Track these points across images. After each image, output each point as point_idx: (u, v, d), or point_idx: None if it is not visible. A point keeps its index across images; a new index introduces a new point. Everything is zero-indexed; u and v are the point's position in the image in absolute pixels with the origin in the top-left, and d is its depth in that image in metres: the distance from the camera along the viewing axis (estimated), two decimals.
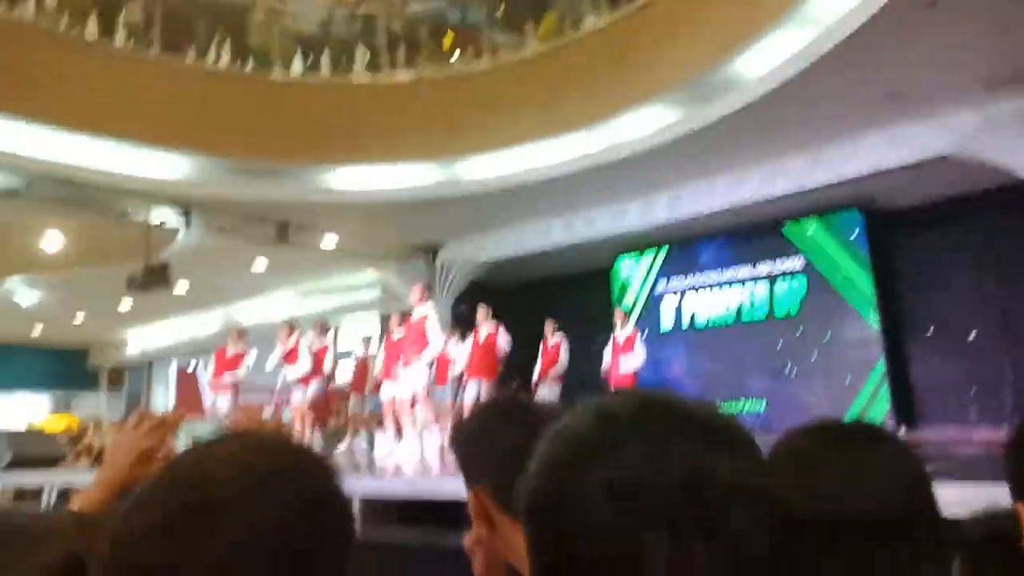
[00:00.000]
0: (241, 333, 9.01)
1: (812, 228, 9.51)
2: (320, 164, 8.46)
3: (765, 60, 6.47)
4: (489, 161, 8.29)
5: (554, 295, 11.29)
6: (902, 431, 8.39)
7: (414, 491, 4.64)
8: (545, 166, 8.08)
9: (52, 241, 10.10)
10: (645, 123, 7.41)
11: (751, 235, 9.78)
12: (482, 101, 7.92)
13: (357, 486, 4.78)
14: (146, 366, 17.73)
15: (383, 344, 8.33)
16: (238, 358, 8.78)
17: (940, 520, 0.75)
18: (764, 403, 9.63)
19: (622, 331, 8.58)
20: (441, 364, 8.19)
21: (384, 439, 8.04)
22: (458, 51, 8.70)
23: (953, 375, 8.48)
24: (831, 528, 0.69)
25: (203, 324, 15.18)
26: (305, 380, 8.42)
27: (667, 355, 10.29)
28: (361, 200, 8.82)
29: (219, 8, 8.60)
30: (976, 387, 8.20)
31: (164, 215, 8.76)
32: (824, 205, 8.89)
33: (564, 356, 8.44)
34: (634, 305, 10.90)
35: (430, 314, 7.23)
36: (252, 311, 14.29)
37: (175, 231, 9.15)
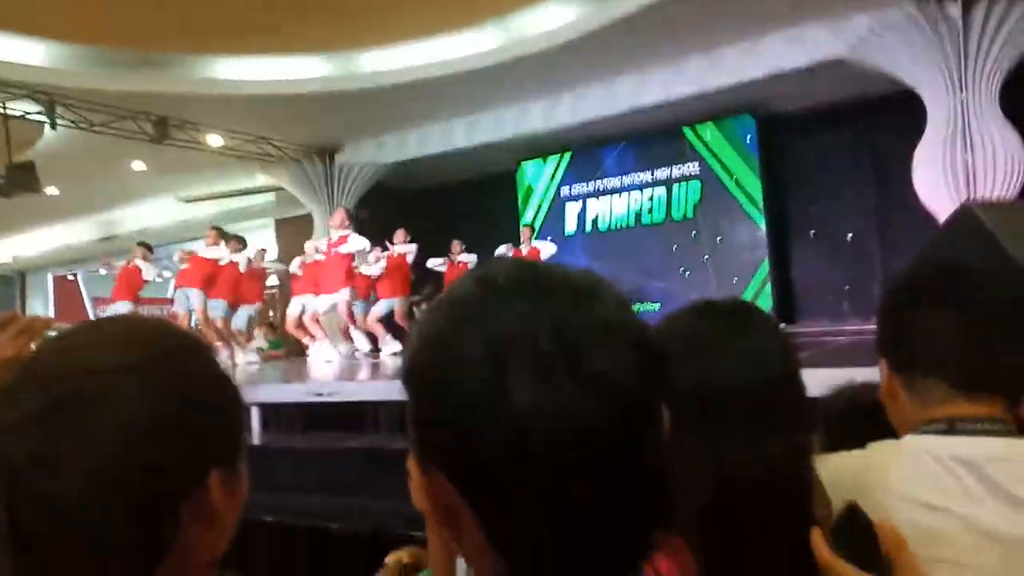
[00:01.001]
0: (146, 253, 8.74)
1: (709, 132, 9.74)
2: (202, 53, 7.80)
3: None
4: (388, 55, 7.91)
5: (458, 199, 11.16)
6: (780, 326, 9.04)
7: (315, 396, 4.58)
8: (446, 61, 7.80)
9: None
10: (548, 20, 7.24)
11: (652, 140, 9.91)
12: None
13: (256, 394, 4.73)
14: (17, 276, 16.44)
15: (300, 265, 8.67)
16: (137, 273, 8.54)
17: (802, 396, 0.82)
18: (659, 305, 10.06)
19: (525, 245, 8.80)
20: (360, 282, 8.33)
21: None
22: None
23: (829, 274, 9.11)
24: (701, 400, 0.73)
25: (78, 232, 14.10)
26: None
27: (570, 259, 10.48)
28: (249, 94, 8.25)
29: None
30: (849, 285, 8.84)
31: (25, 107, 7.89)
32: (721, 110, 9.08)
33: None
34: (538, 210, 10.96)
35: (352, 239, 7.66)
36: (131, 218, 13.39)
37: (40, 127, 8.29)
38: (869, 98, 8.14)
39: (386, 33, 7.77)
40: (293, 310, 8.42)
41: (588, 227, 10.71)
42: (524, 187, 11.08)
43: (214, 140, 9.53)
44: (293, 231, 11.49)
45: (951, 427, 0.87)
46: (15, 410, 0.53)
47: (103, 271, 9.96)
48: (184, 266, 8.43)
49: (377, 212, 10.28)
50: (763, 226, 9.46)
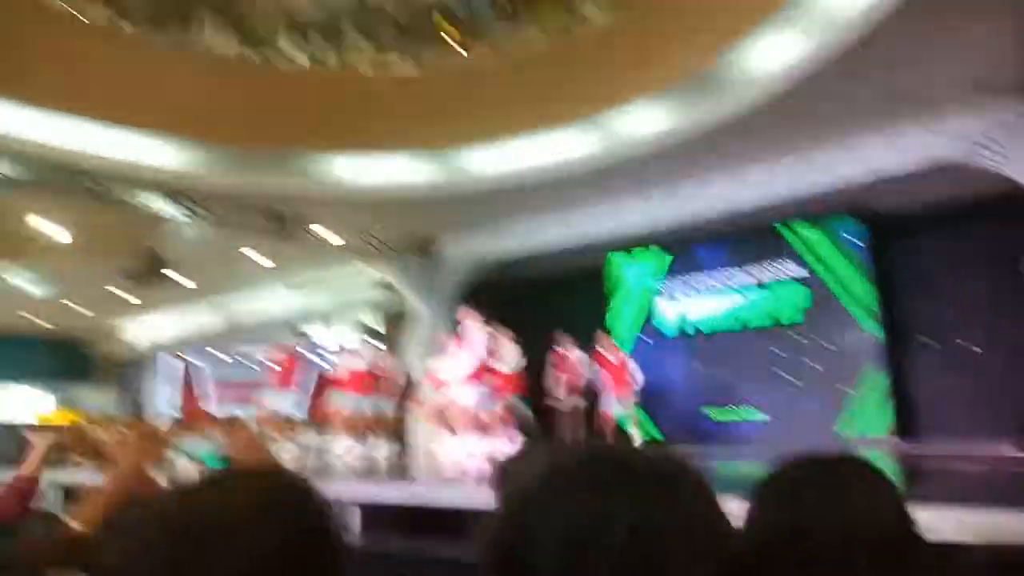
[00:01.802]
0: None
1: (810, 233, 9.41)
2: (320, 153, 8.43)
3: (766, 59, 6.41)
4: (488, 155, 8.26)
5: (551, 295, 11.19)
6: (898, 443, 8.28)
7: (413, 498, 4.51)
8: (544, 165, 8.05)
9: (57, 230, 10.09)
10: (644, 121, 7.36)
11: (749, 239, 9.68)
12: (483, 94, 7.89)
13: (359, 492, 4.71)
14: (149, 360, 17.73)
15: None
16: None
17: (922, 544, 0.79)
18: (763, 411, 9.53)
19: (609, 352, 8.81)
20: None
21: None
22: (461, 43, 8.65)
23: (954, 387, 8.35)
24: (814, 555, 0.72)
25: (203, 318, 15.19)
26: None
27: (665, 360, 10.18)
28: (359, 192, 8.78)
29: None
30: (977, 400, 8.06)
31: (162, 204, 8.74)
32: (822, 210, 8.80)
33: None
34: (632, 308, 10.81)
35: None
36: (248, 306, 14.29)
37: (174, 221, 9.13)
38: (985, 197, 7.61)
39: (492, 134, 8.13)
40: None
41: (685, 328, 10.43)
42: (615, 282, 10.95)
43: (327, 234, 10.12)
44: (398, 324, 11.90)
45: None
46: (145, 549, 0.58)
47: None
48: None
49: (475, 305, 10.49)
50: (874, 332, 8.90)
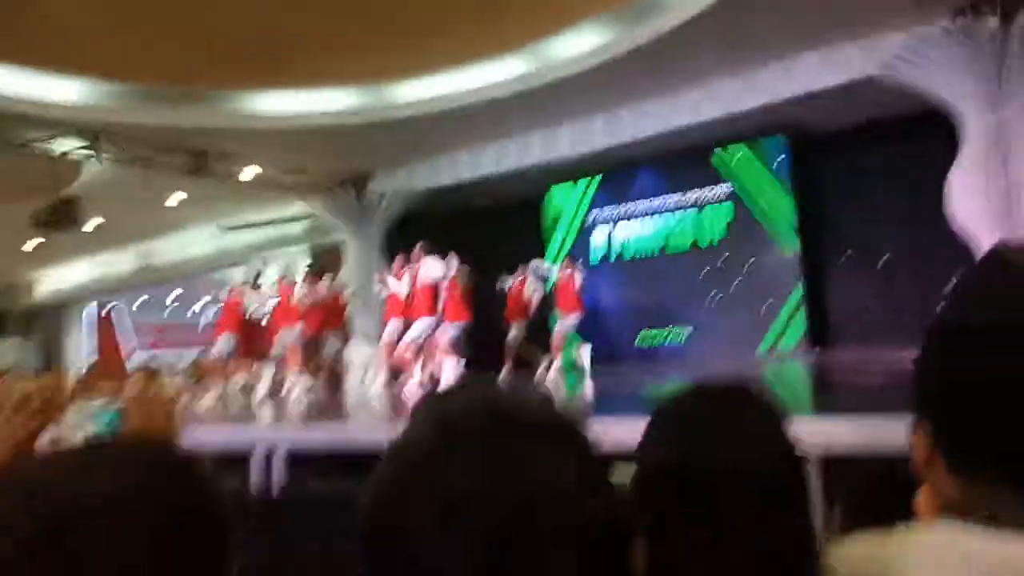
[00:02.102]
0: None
1: (739, 155, 9.70)
2: (239, 88, 8.02)
3: None
4: (418, 85, 8.05)
5: (487, 227, 11.23)
6: (815, 353, 8.88)
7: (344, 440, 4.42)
8: (475, 89, 7.90)
9: None
10: (577, 45, 7.30)
11: (681, 163, 9.90)
12: (410, 21, 7.60)
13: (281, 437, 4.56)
14: (60, 309, 16.89)
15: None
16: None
17: (801, 477, 0.80)
18: (687, 332, 9.96)
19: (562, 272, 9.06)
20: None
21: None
22: None
23: (868, 299, 8.92)
24: (704, 485, 0.74)
25: (118, 263, 14.48)
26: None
27: (597, 286, 10.45)
28: (284, 127, 8.45)
29: None
30: (886, 310, 8.64)
31: (70, 145, 8.18)
32: (752, 131, 9.04)
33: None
34: (566, 236, 10.98)
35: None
36: (170, 248, 13.71)
37: (83, 162, 8.58)
38: (905, 115, 7.96)
39: (416, 64, 7.90)
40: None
41: (614, 254, 10.71)
42: (552, 213, 11.12)
43: (250, 171, 9.76)
44: (328, 257, 11.69)
45: (995, 523, 0.64)
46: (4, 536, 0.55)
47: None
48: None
49: (407, 240, 10.40)
50: (794, 249, 9.36)
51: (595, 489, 0.47)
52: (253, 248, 13.05)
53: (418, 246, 8.55)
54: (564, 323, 8.84)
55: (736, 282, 9.67)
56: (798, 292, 9.28)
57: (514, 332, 9.21)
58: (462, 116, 8.36)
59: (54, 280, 15.89)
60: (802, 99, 7.52)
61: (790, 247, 9.37)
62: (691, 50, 7.17)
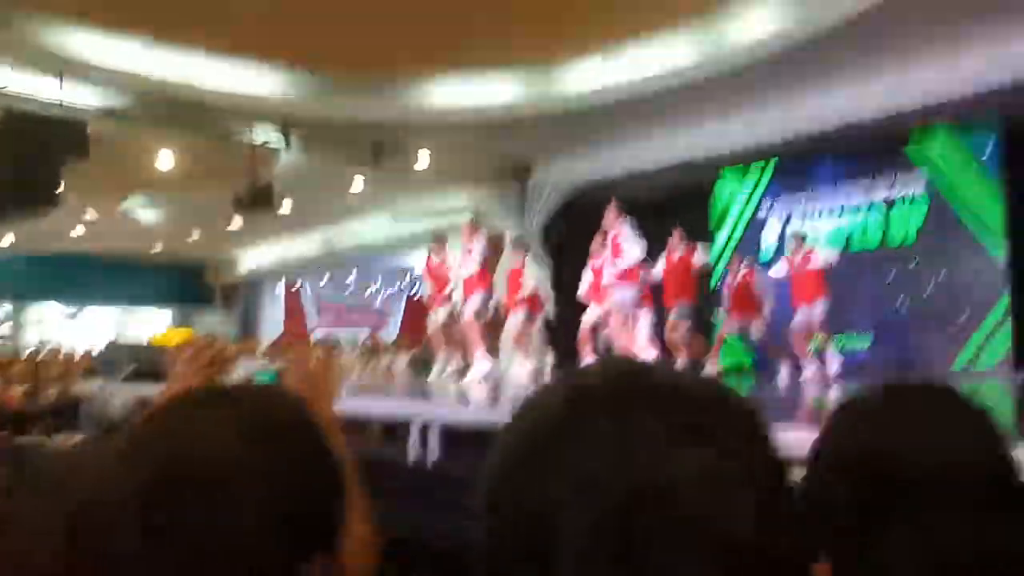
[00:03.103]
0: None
1: (940, 145, 8.66)
2: (416, 77, 8.37)
3: None
4: (586, 72, 7.96)
5: (651, 218, 10.88)
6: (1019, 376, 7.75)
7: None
8: (644, 77, 7.69)
9: (165, 160, 10.64)
10: (755, 29, 6.85)
11: (870, 153, 9.01)
12: (577, 4, 7.55)
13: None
14: (257, 284, 18.76)
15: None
16: None
17: (1017, 482, 0.70)
18: (870, 339, 9.10)
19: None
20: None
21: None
22: None
23: None
24: (902, 490, 0.65)
25: (305, 245, 15.80)
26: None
27: (765, 283, 9.82)
28: (453, 118, 8.73)
29: None
30: None
31: (267, 135, 8.99)
32: (957, 118, 8.04)
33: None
34: (733, 230, 10.43)
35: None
36: (349, 233, 14.73)
37: (278, 151, 9.40)
38: None
39: (586, 47, 7.80)
40: None
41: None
42: (720, 205, 10.58)
43: (422, 161, 10.20)
44: (491, 247, 11.97)
45: None
46: (130, 484, 0.56)
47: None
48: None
49: (568, 231, 10.39)
50: (1001, 255, 8.23)
51: (781, 470, 0.42)
52: (421, 237, 13.68)
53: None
54: (731, 325, 8.32)
55: (930, 288, 8.67)
56: (1003, 303, 8.15)
57: (675, 315, 8.03)
58: (628, 104, 8.17)
59: (252, 258, 17.67)
60: (1018, 85, 6.58)
61: (997, 251, 8.25)
62: (885, 33, 6.50)
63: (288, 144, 9.01)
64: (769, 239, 10.16)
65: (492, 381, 7.13)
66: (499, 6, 7.44)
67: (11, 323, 17.57)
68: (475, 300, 7.49)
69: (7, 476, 0.78)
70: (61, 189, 7.58)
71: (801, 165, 9.72)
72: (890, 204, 9.13)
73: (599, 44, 7.63)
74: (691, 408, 0.42)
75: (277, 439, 0.62)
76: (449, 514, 3.45)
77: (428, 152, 10.01)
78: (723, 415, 0.42)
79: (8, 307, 17.62)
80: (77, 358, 10.41)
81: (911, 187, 8.92)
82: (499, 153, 10.36)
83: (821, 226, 9.72)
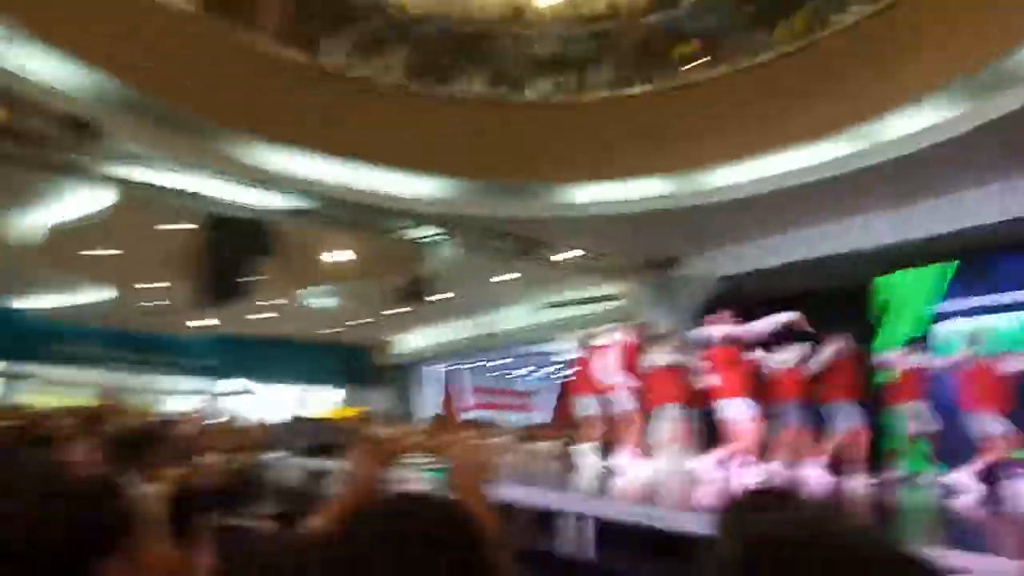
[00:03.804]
0: None
1: None
2: (561, 182, 8.78)
3: None
4: (728, 172, 7.96)
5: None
6: None
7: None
8: (784, 174, 7.55)
9: (341, 255, 11.79)
10: (908, 124, 6.58)
11: None
12: (720, 109, 7.64)
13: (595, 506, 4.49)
14: (412, 367, 19.78)
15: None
16: None
17: None
18: None
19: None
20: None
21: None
22: (696, 60, 8.50)
23: None
24: None
25: (459, 330, 16.59)
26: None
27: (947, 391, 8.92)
28: (598, 214, 8.98)
29: (470, 39, 9.39)
30: None
31: (425, 232, 9.73)
32: None
33: None
34: (902, 325, 9.63)
35: None
36: (499, 321, 15.29)
37: (435, 246, 10.11)
38: None
39: (730, 150, 7.86)
40: None
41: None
42: (882, 299, 9.85)
43: (567, 255, 10.51)
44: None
45: None
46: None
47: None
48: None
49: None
50: None
51: None
52: (567, 325, 13.91)
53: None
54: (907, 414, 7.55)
55: None
56: None
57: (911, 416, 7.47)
58: (774, 200, 8.03)
59: (410, 342, 18.74)
60: None
61: None
62: None
63: (446, 241, 9.66)
64: (945, 339, 9.28)
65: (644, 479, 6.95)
66: (644, 123, 7.71)
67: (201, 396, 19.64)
68: (623, 397, 7.41)
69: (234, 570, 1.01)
70: (254, 280, 8.60)
71: (974, 263, 8.90)
72: None
73: (743, 148, 7.63)
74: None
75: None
76: None
77: (572, 247, 10.29)
78: None
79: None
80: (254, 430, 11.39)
81: None
82: (643, 247, 10.43)
83: (1006, 324, 8.76)
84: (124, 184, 7.98)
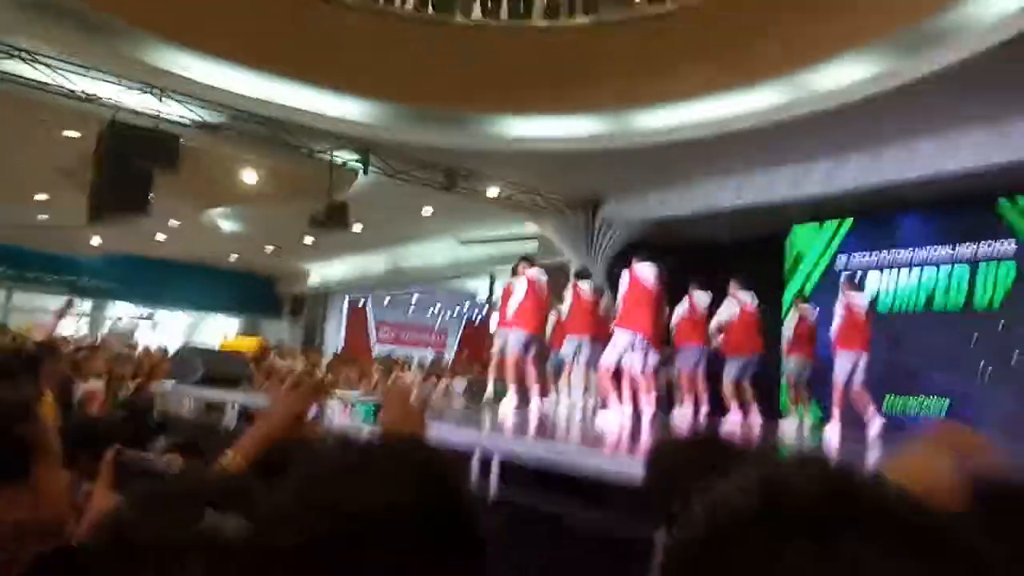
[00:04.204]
0: None
1: None
2: (493, 113, 8.52)
3: (998, 7, 5.60)
4: (663, 113, 7.93)
5: (720, 261, 10.71)
6: None
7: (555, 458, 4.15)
8: (720, 119, 7.59)
9: (249, 176, 11.10)
10: (844, 75, 6.69)
11: (955, 211, 8.67)
12: (662, 48, 7.54)
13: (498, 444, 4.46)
14: (322, 298, 19.23)
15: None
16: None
17: None
18: (946, 403, 8.67)
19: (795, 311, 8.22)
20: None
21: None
22: None
23: None
24: None
25: (372, 263, 16.15)
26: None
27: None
28: (526, 150, 8.82)
29: None
30: None
31: (346, 156, 9.27)
32: None
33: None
34: (807, 280, 10.15)
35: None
36: (415, 255, 14.99)
37: (355, 172, 9.67)
38: None
39: (670, 91, 7.81)
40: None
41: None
42: (793, 253, 10.34)
43: (492, 190, 10.34)
44: (554, 278, 11.97)
45: None
46: (291, 536, 0.60)
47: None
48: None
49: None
50: None
51: None
52: (485, 262, 13.81)
53: None
54: (794, 367, 8.10)
55: (1015, 354, 8.22)
56: None
57: (792, 368, 8.08)
58: (703, 146, 8.10)
59: (321, 272, 18.15)
60: None
61: None
62: (978, 87, 6.28)
63: (366, 167, 9.26)
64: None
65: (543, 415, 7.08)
66: (579, 58, 7.52)
67: (89, 319, 18.43)
68: (517, 336, 7.46)
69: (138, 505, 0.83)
70: (152, 196, 7.96)
71: (880, 221, 9.41)
72: (975, 264, 8.73)
73: (679, 89, 7.59)
74: (908, 538, 0.37)
75: (430, 494, 0.65)
76: (520, 552, 3.40)
77: (499, 182, 10.12)
78: (942, 548, 0.37)
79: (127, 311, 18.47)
80: (155, 357, 10.82)
81: (999, 249, 8.52)
82: (569, 187, 10.39)
83: (899, 281, 9.37)
84: (8, 80, 7.12)
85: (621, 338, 6.93)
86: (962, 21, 5.86)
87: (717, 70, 7.20)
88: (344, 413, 4.42)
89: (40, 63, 7.06)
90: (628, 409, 6.88)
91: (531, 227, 11.89)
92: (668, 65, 7.40)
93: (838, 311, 7.29)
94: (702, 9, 7.24)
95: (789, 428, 7.57)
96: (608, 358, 6.93)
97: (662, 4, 7.70)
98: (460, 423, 5.80)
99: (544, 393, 8.02)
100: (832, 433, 6.93)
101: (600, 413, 7.01)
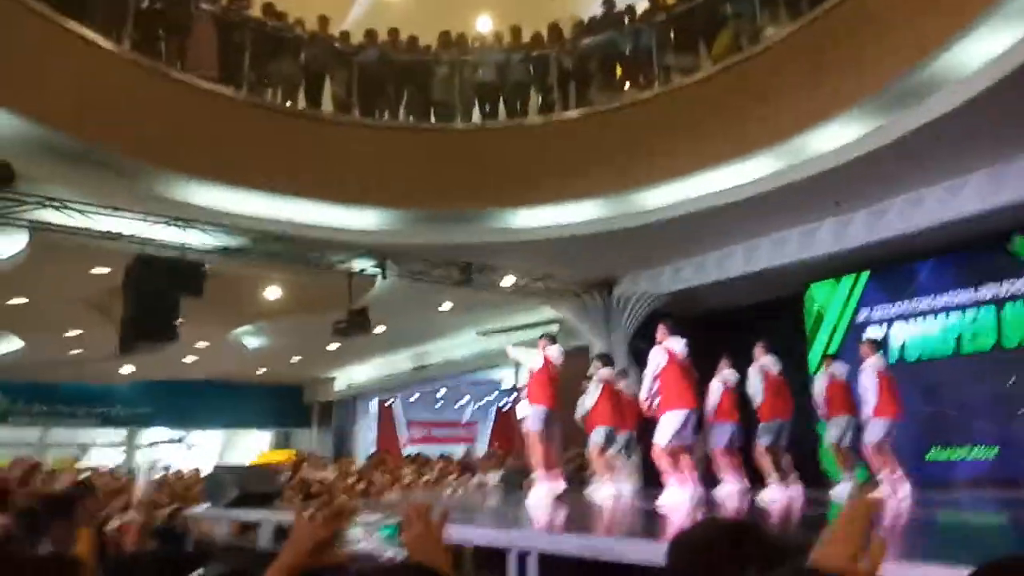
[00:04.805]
0: None
1: None
2: (500, 207, 8.78)
3: (979, 53, 5.78)
4: (663, 191, 8.14)
5: (738, 326, 10.68)
6: None
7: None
8: (720, 191, 7.78)
9: (273, 292, 11.42)
10: (838, 136, 6.87)
11: (970, 252, 8.64)
12: (654, 129, 7.84)
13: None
14: (350, 401, 19.25)
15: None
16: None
17: None
18: (996, 450, 8.40)
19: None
20: None
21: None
22: (628, 82, 8.72)
23: None
24: None
25: (397, 363, 16.26)
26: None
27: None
28: (535, 239, 9.02)
29: (408, 68, 9.35)
30: None
31: (364, 264, 9.53)
32: None
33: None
34: (832, 334, 10.05)
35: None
36: (438, 350, 15.10)
37: (373, 278, 9.91)
38: None
39: (666, 169, 8.04)
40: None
41: (893, 357, 9.43)
42: (814, 311, 10.28)
43: (507, 280, 10.50)
44: (573, 361, 11.94)
45: None
46: None
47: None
48: None
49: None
50: None
51: None
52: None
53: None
54: (835, 432, 7.85)
55: None
56: None
57: (835, 432, 7.70)
58: (708, 217, 8.26)
59: (347, 377, 18.25)
60: None
61: None
62: (973, 132, 6.43)
63: (384, 273, 9.49)
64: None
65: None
66: (576, 147, 7.82)
67: (124, 448, 18.54)
68: (538, 412, 7.32)
69: None
70: (179, 321, 8.19)
71: (897, 271, 9.37)
72: (1000, 304, 8.63)
73: (676, 167, 7.81)
74: None
75: None
76: None
77: (513, 272, 10.29)
78: None
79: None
80: (188, 481, 10.80)
81: (1021, 286, 8.45)
82: (581, 270, 10.52)
83: (925, 329, 9.25)
84: (41, 229, 7.52)
85: (673, 418, 6.82)
86: (947, 71, 6.04)
87: (709, 145, 7.44)
88: (366, 536, 4.39)
89: (70, 209, 7.46)
90: (690, 488, 6.71)
91: (549, 312, 11.99)
92: (660, 145, 7.67)
93: (871, 381, 7.12)
94: (684, 91, 7.56)
95: (842, 493, 7.30)
96: (662, 438, 6.81)
97: (650, 88, 8.04)
98: (493, 521, 5.71)
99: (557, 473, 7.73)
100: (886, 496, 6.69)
101: (664, 494, 6.72)
